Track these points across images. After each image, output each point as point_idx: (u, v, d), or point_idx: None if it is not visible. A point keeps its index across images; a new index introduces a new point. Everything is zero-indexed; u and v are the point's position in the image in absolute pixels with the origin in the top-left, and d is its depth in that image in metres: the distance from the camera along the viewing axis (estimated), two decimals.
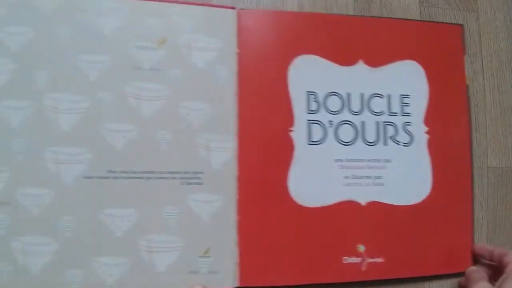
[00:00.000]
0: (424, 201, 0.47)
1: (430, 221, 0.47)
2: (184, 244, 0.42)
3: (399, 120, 0.48)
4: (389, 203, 0.47)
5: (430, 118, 0.48)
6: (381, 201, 0.47)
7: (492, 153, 0.51)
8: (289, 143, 0.45)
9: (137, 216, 0.42)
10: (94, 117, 0.42)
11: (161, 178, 0.42)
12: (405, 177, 0.48)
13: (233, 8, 0.47)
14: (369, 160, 0.47)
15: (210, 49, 0.45)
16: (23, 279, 0.40)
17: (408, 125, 0.48)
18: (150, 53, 0.44)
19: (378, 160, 0.47)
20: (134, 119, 0.43)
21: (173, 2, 0.46)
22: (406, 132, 0.48)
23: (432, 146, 0.48)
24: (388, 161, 0.47)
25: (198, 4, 0.46)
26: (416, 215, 0.47)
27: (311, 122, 0.46)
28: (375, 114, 0.48)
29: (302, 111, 0.46)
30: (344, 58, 0.48)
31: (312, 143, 0.46)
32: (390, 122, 0.48)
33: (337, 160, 0.47)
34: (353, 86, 0.48)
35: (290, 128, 0.46)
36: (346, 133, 0.47)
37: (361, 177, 0.47)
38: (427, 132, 0.48)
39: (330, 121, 0.47)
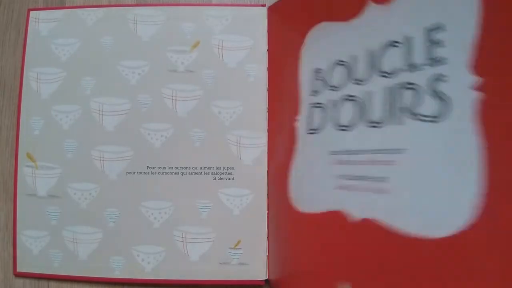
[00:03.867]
0: (461, 233, 0.24)
1: (465, 268, 0.24)
2: (216, 236, 0.44)
3: (423, 76, 0.28)
4: (394, 226, 0.27)
5: (484, 62, 0.24)
6: (381, 220, 0.28)
7: None
8: (293, 134, 0.41)
9: (173, 209, 0.44)
10: (135, 118, 0.45)
11: (195, 173, 0.45)
12: (426, 181, 0.26)
13: (263, 5, 0.47)
14: (373, 151, 0.31)
15: (241, 48, 0.46)
16: (72, 264, 0.44)
17: (442, 80, 0.26)
18: (184, 56, 0.46)
19: (386, 151, 0.29)
20: (170, 118, 0.45)
21: (205, 5, 0.48)
22: (437, 95, 0.27)
23: (487, 117, 0.24)
24: (399, 151, 0.28)
25: (229, 5, 0.48)
26: (441, 257, 0.25)
27: (313, 106, 0.38)
28: (386, 76, 0.31)
29: (306, 95, 0.39)
30: (350, 8, 0.35)
31: (311, 131, 0.38)
32: (408, 83, 0.29)
33: (333, 153, 0.35)
34: (361, 42, 0.33)
35: (296, 117, 0.40)
36: (347, 113, 0.34)
37: (359, 178, 0.32)
38: (478, 88, 0.24)
39: (331, 100, 0.36)
